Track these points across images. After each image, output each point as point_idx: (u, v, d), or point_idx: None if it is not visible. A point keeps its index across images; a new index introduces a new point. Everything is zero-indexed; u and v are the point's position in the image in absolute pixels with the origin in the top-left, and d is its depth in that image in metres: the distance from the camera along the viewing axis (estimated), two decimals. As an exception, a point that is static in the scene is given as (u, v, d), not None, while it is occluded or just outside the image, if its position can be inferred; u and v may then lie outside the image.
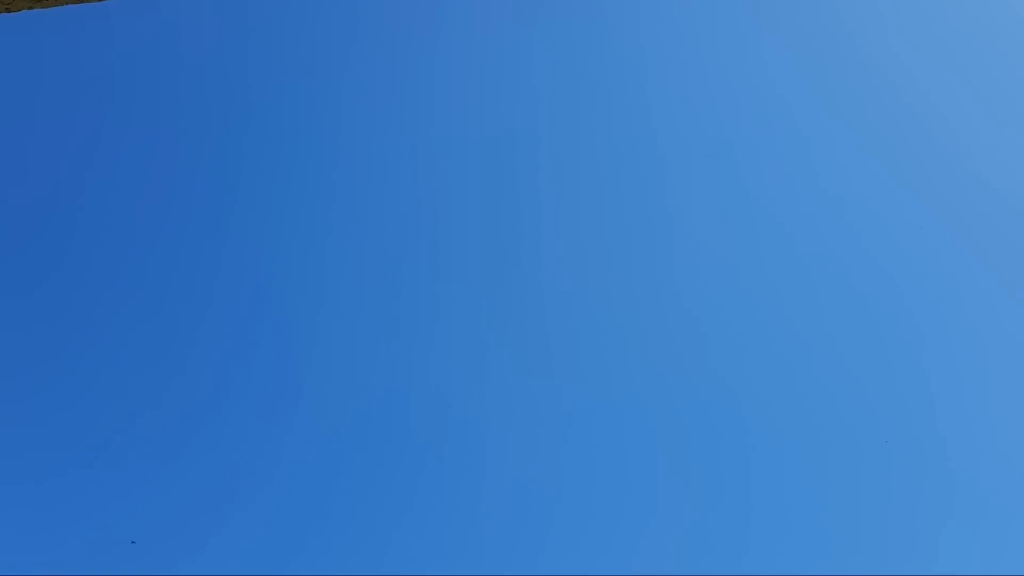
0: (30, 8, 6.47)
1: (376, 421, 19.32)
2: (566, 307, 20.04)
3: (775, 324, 20.01)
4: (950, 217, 20.46)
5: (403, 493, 18.86)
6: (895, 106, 21.01)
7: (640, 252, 20.08)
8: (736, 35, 21.28)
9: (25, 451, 18.71)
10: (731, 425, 19.35)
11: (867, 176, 20.79)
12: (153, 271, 19.81)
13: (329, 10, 21.33)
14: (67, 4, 6.39)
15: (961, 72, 20.99)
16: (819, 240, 20.42)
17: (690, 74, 21.27)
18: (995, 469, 19.08)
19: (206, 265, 20.03)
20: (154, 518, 18.46)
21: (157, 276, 19.83)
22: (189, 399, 19.01)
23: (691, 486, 19.04)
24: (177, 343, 19.33)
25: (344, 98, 20.88)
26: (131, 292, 19.59)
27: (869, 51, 21.23)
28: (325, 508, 18.68)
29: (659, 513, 18.87)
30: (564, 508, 18.95)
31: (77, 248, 19.79)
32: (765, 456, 19.24)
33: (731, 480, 19.10)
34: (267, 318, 19.80)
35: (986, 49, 20.89)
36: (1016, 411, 19.29)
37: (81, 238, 19.76)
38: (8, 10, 6.37)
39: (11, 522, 18.31)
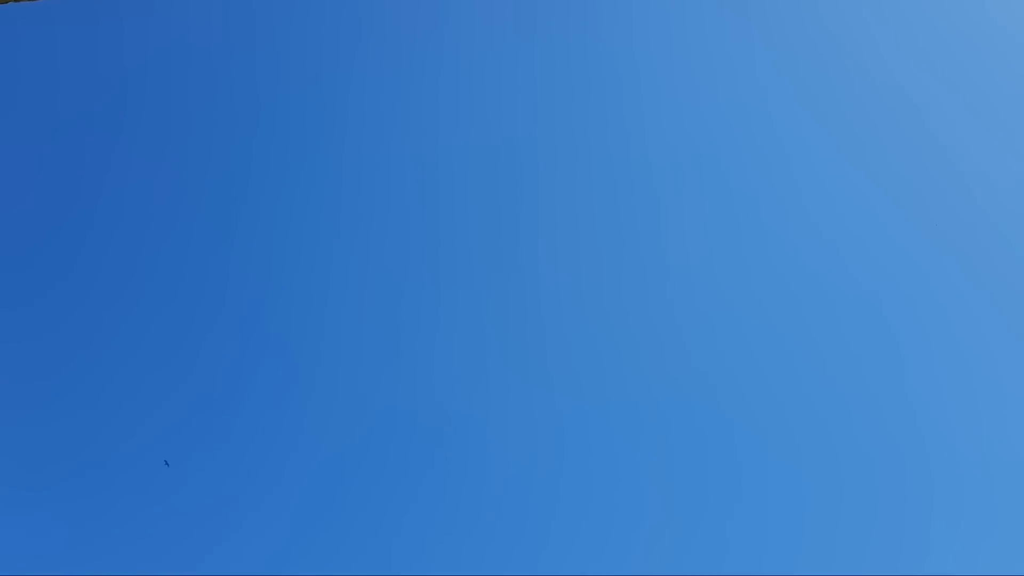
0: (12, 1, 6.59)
1: (376, 424, 19.39)
2: (564, 311, 20.10)
3: (769, 330, 20.06)
4: (937, 220, 20.55)
5: (403, 495, 18.91)
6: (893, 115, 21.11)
7: (637, 259, 20.16)
8: (738, 42, 21.38)
9: (27, 455, 18.84)
10: (724, 429, 19.39)
11: (865, 186, 20.88)
12: (146, 279, 19.92)
13: (329, 13, 21.47)
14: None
15: (949, 79, 21.11)
16: (814, 246, 20.50)
17: (688, 82, 21.37)
18: (985, 470, 19.13)
19: (200, 267, 20.15)
20: (160, 520, 18.58)
21: (152, 284, 19.96)
22: (192, 402, 19.14)
23: (685, 488, 19.06)
24: (182, 344, 19.46)
25: (348, 103, 21.01)
26: (133, 300, 19.72)
27: (869, 60, 21.33)
28: (325, 509, 18.74)
29: (657, 515, 18.89)
30: (562, 510, 18.98)
31: (46, 256, 19.73)
32: (760, 459, 19.29)
33: (726, 483, 19.14)
34: (269, 321, 19.91)
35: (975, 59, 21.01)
36: (1004, 411, 19.36)
37: (53, 245, 19.75)
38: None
39: (12, 523, 18.45)
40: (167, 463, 18.13)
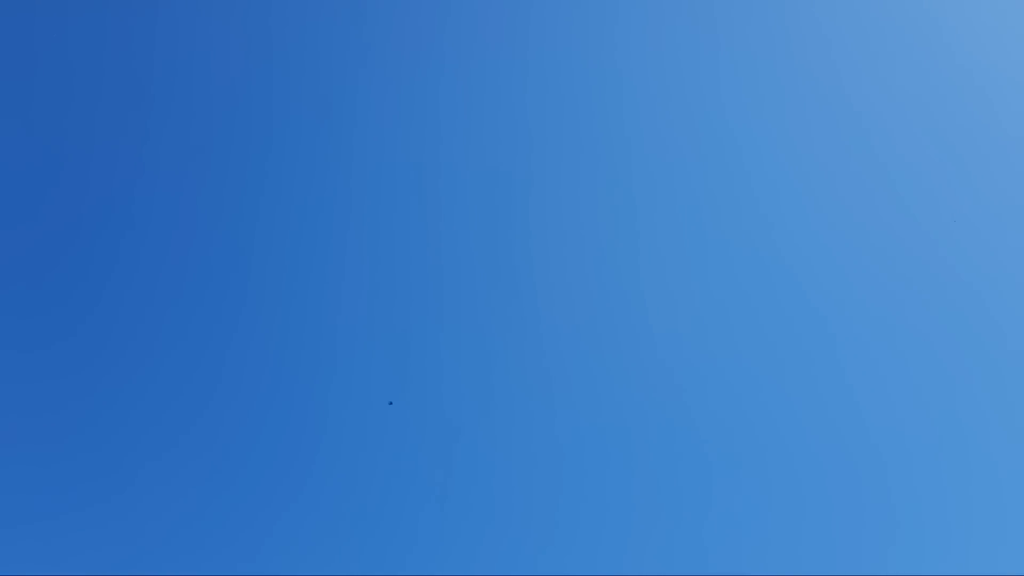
0: None
1: (378, 430, 19.40)
2: (562, 317, 20.14)
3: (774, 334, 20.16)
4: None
5: (406, 497, 18.94)
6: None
7: (641, 265, 20.21)
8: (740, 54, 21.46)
9: (28, 457, 18.81)
10: (727, 436, 19.48)
11: (863, 189, 21.00)
12: (144, 291, 19.87)
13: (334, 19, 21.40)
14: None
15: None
16: (816, 248, 20.61)
17: (687, 89, 21.44)
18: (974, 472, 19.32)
19: (195, 267, 20.09)
20: (167, 520, 18.58)
21: (151, 291, 19.91)
22: (194, 401, 19.12)
23: (688, 495, 19.15)
24: (182, 341, 19.41)
25: (358, 112, 20.98)
26: (138, 306, 19.66)
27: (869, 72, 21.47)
28: (327, 509, 18.75)
29: (660, 518, 18.96)
30: (562, 515, 19.05)
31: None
32: (761, 463, 19.40)
33: (728, 488, 19.24)
34: (271, 325, 19.88)
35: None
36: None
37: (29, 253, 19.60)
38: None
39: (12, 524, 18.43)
40: (391, 403, 18.12)
